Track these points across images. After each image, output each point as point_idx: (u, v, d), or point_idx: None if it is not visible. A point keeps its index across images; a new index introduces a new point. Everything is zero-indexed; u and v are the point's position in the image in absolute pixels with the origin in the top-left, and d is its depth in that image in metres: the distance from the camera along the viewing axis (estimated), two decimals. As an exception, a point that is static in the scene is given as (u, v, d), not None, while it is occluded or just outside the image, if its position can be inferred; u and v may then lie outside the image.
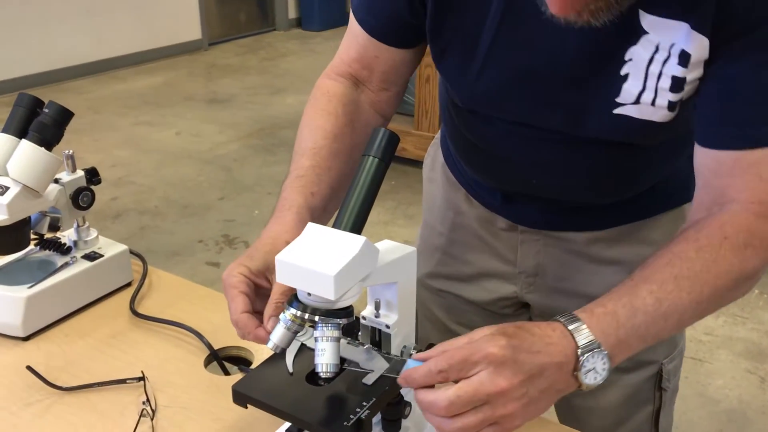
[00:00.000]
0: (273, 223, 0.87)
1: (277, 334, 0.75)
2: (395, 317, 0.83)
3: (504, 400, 0.67)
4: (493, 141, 0.99)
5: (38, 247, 1.17)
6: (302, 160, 0.93)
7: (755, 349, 2.62)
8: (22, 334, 1.09)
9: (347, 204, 0.75)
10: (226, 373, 1.07)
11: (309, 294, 0.72)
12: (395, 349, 0.83)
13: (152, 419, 0.93)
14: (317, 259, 0.70)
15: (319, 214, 0.90)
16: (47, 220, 1.12)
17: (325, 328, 0.72)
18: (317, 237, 0.73)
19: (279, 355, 0.81)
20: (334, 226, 0.74)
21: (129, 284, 1.22)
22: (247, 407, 0.77)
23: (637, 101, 0.82)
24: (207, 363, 1.06)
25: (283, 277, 0.72)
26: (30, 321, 1.09)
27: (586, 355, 0.71)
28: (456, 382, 0.68)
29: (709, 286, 0.76)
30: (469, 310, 1.20)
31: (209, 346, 1.07)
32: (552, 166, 0.97)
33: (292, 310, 0.73)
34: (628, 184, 1.00)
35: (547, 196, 1.02)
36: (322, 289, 0.69)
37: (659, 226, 1.06)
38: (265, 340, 0.80)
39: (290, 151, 0.97)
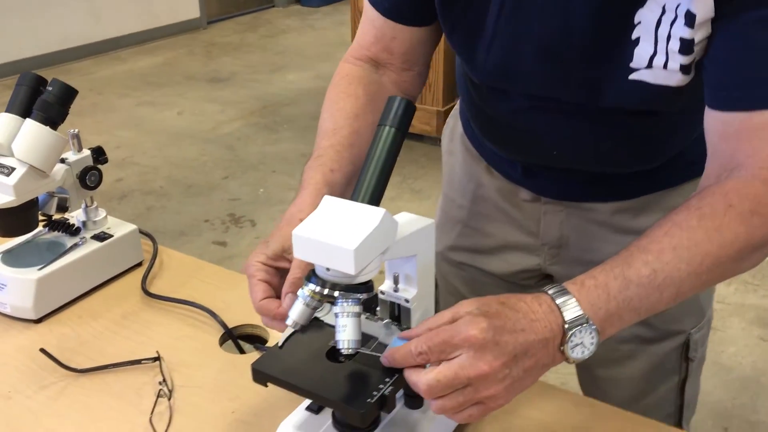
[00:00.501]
0: (291, 205, 0.86)
1: (296, 310, 0.73)
2: (414, 291, 0.81)
3: (486, 383, 0.66)
4: (510, 115, 0.97)
5: (47, 228, 1.15)
6: (322, 141, 0.91)
7: (767, 316, 2.60)
8: (33, 317, 1.07)
9: (364, 175, 0.73)
10: (242, 351, 1.06)
11: (328, 269, 0.70)
12: (415, 324, 0.82)
13: (169, 399, 0.92)
14: (336, 232, 0.68)
15: (342, 190, 0.88)
16: (55, 201, 1.10)
17: (345, 304, 0.70)
18: (335, 210, 0.71)
19: (298, 333, 0.79)
20: (351, 199, 0.72)
21: (139, 264, 1.21)
22: (267, 386, 0.75)
23: (649, 65, 0.80)
24: (222, 342, 1.05)
25: (300, 253, 0.70)
26: (41, 303, 1.07)
27: (573, 330, 0.69)
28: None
29: (711, 257, 0.72)
30: (490, 283, 1.18)
31: (223, 324, 1.06)
32: (572, 138, 0.95)
33: (311, 286, 0.71)
34: (653, 152, 0.98)
35: (570, 166, 1.00)
36: (342, 264, 0.67)
37: (685, 195, 1.03)
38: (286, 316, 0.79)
39: (293, 128, 0.96)
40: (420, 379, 0.68)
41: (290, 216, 0.84)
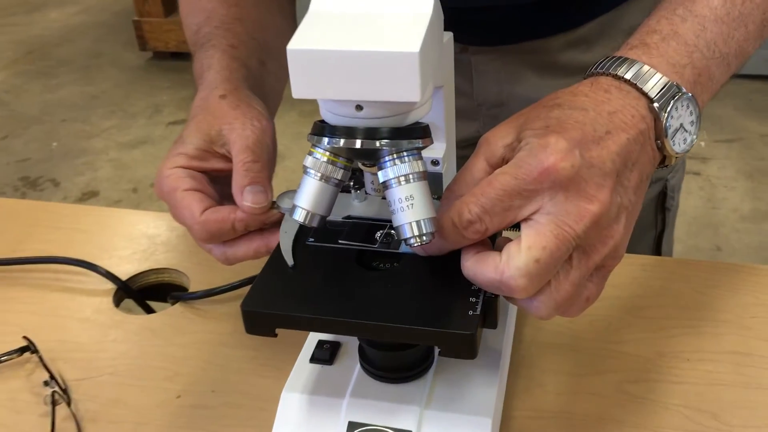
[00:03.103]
0: (196, 97, 0.59)
1: (308, 193, 0.42)
2: (443, 146, 0.53)
3: (598, 230, 0.41)
4: None
5: None
6: (199, 33, 0.66)
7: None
8: None
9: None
10: (149, 310, 0.72)
11: (359, 107, 0.39)
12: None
13: (69, 404, 0.57)
14: (367, 34, 0.38)
15: (257, 68, 0.63)
16: None
17: (399, 162, 0.40)
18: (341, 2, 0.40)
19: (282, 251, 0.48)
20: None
21: (-55, 226, 0.80)
22: (276, 335, 0.44)
23: None
24: (117, 303, 0.70)
25: (305, 86, 0.39)
26: None
27: (667, 107, 0.45)
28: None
29: None
30: None
31: (112, 277, 0.70)
32: None
33: (328, 142, 0.40)
34: None
35: (496, 3, 0.77)
36: (396, 86, 0.37)
37: (645, 8, 0.83)
38: (251, 224, 0.49)
39: (73, 69, 0.65)
40: (506, 273, 0.40)
41: (203, 100, 0.57)
